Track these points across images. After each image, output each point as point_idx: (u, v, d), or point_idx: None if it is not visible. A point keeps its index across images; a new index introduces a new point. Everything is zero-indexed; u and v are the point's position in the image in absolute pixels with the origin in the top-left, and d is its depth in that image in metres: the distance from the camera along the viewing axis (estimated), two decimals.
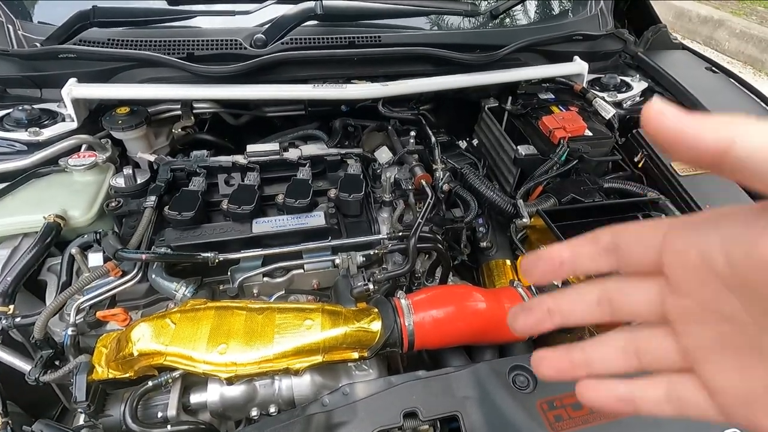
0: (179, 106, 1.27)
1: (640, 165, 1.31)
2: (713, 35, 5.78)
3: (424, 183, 1.06)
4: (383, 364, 0.94)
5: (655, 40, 1.65)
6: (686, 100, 1.41)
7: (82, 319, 0.84)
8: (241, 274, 0.94)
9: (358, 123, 1.34)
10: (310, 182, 1.05)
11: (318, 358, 0.79)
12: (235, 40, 1.27)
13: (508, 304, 0.92)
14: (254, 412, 0.83)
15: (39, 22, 1.33)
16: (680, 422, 0.73)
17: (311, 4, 1.24)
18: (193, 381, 0.83)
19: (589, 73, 1.56)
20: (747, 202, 1.15)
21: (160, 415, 0.79)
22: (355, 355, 0.81)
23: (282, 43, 1.29)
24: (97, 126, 1.22)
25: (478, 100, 1.55)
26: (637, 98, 1.51)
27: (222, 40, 1.27)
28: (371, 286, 0.85)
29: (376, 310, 0.84)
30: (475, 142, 1.54)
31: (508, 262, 1.21)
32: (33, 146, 1.10)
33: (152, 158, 1.10)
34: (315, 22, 1.32)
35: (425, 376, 0.78)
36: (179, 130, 1.29)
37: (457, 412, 0.73)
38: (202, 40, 1.27)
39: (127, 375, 0.78)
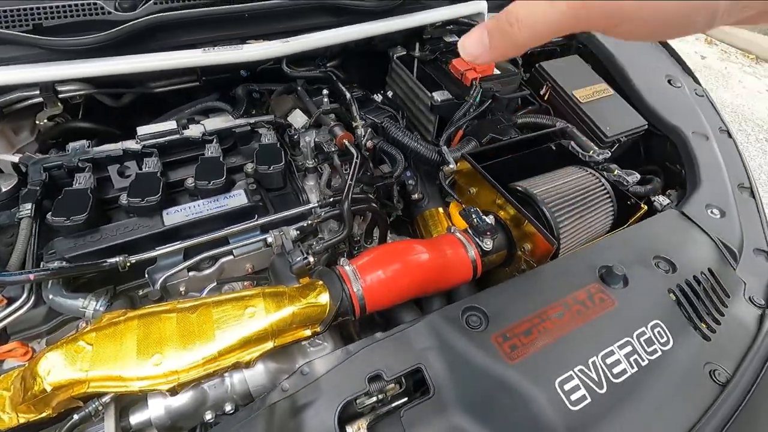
0: (38, 92, 1.05)
1: (546, 98, 1.37)
2: None
3: (347, 143, 1.01)
4: (337, 335, 0.92)
5: None
6: (598, 51, 1.48)
7: None
8: (161, 273, 0.83)
9: (264, 88, 1.22)
10: (221, 159, 0.94)
11: (269, 345, 0.73)
12: (95, 4, 1.06)
13: (449, 251, 0.93)
14: (209, 416, 0.76)
15: None
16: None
17: None
18: (130, 401, 0.74)
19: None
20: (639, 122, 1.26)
21: None
22: (308, 332, 0.77)
23: (155, 3, 1.10)
24: None
25: (386, 50, 1.49)
26: None
27: (76, 5, 1.05)
28: (311, 259, 0.80)
29: (321, 282, 0.80)
30: (390, 94, 1.50)
31: (441, 210, 1.23)
32: None
33: (15, 159, 0.90)
34: None
35: (382, 338, 0.77)
36: (44, 120, 1.07)
37: (419, 364, 0.74)
38: (52, 6, 1.04)
39: (45, 414, 0.67)
